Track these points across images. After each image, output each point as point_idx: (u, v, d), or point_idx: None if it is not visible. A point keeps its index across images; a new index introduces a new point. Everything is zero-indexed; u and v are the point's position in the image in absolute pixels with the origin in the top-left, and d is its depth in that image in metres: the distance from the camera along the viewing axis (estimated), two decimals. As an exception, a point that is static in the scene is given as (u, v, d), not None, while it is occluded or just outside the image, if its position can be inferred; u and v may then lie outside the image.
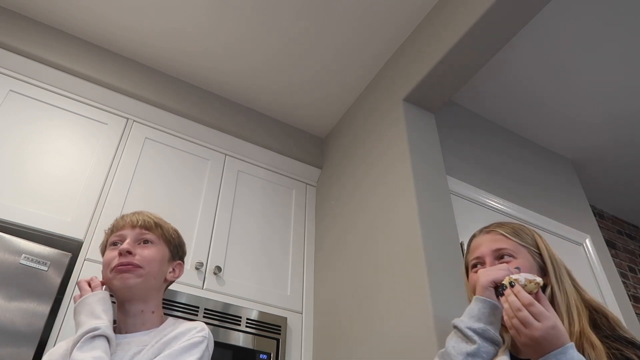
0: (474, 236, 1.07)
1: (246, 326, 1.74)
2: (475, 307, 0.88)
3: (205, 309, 1.69)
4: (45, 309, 1.37)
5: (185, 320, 1.09)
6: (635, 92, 2.31)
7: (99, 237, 1.64)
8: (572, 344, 0.71)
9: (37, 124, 1.81)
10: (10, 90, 1.83)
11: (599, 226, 2.69)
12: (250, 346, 1.71)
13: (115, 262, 1.04)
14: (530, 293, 0.76)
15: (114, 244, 1.09)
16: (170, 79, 2.24)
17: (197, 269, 1.79)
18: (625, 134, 2.55)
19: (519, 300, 0.74)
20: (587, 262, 2.16)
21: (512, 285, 0.77)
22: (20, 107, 1.82)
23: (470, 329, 0.85)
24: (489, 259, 0.97)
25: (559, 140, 2.58)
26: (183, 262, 1.19)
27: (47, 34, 2.01)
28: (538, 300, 0.75)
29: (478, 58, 1.78)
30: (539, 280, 0.77)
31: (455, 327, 0.90)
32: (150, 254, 1.08)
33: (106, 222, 1.67)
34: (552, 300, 0.88)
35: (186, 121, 2.16)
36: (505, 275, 0.87)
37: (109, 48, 2.15)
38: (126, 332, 1.03)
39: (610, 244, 2.94)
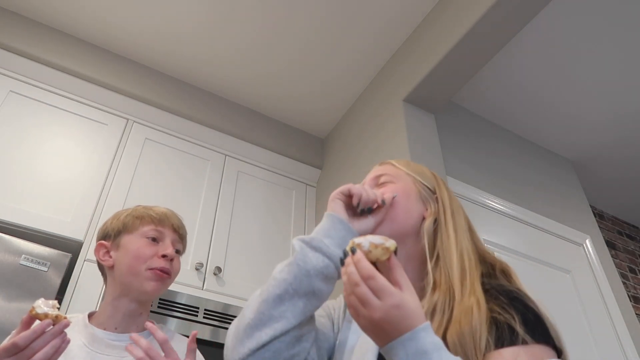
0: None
1: (246, 327, 1.74)
2: (319, 223, 0.75)
3: (205, 310, 1.69)
4: (45, 309, 1.37)
5: (172, 331, 1.10)
6: (635, 94, 2.31)
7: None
8: (427, 324, 0.55)
9: (37, 125, 1.81)
10: (11, 91, 1.83)
11: (599, 227, 2.68)
12: (250, 347, 1.70)
13: (157, 264, 1.01)
14: (376, 261, 0.58)
15: (152, 238, 1.05)
16: (170, 79, 2.24)
17: (197, 269, 1.79)
18: (626, 134, 2.55)
19: (357, 272, 0.56)
20: (587, 262, 2.16)
21: (353, 252, 0.58)
22: (21, 108, 1.82)
23: (298, 239, 0.71)
24: (369, 185, 0.87)
25: (559, 141, 2.58)
26: None
27: (48, 35, 2.01)
28: (390, 268, 0.58)
29: (478, 58, 1.78)
30: (390, 244, 0.58)
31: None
32: (179, 266, 1.09)
33: (106, 223, 1.68)
34: (441, 245, 0.76)
35: (186, 122, 2.16)
36: (359, 190, 0.75)
37: (109, 49, 2.15)
38: (115, 330, 1.00)
39: (610, 245, 2.93)
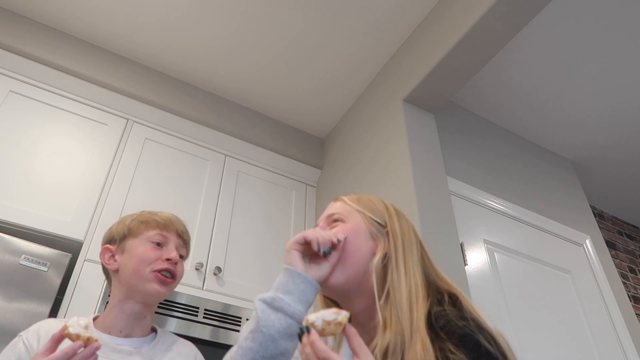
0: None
1: (246, 327, 1.74)
2: (278, 278, 0.77)
3: (205, 310, 1.69)
4: (45, 309, 1.37)
5: (175, 335, 1.11)
6: (635, 94, 2.31)
7: (99, 238, 1.64)
8: None
9: (37, 125, 1.81)
10: (10, 90, 1.83)
11: (599, 227, 2.68)
12: (250, 347, 1.70)
13: (161, 266, 1.03)
14: (333, 335, 0.63)
15: (157, 242, 1.07)
16: (170, 79, 2.24)
17: (197, 269, 1.79)
18: (626, 134, 2.55)
19: (313, 353, 0.59)
20: (587, 262, 2.16)
21: (308, 330, 0.62)
22: (20, 108, 1.82)
23: (259, 300, 0.73)
24: (322, 225, 0.89)
25: (559, 141, 2.58)
26: None
27: (48, 35, 2.01)
28: (348, 337, 0.62)
29: (478, 58, 1.78)
30: (342, 318, 0.62)
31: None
32: (183, 270, 1.10)
33: (106, 223, 1.67)
34: (392, 281, 0.77)
35: (186, 122, 2.16)
36: (314, 235, 0.78)
37: (109, 49, 2.15)
38: (120, 334, 1.01)
39: (610, 245, 2.93)
